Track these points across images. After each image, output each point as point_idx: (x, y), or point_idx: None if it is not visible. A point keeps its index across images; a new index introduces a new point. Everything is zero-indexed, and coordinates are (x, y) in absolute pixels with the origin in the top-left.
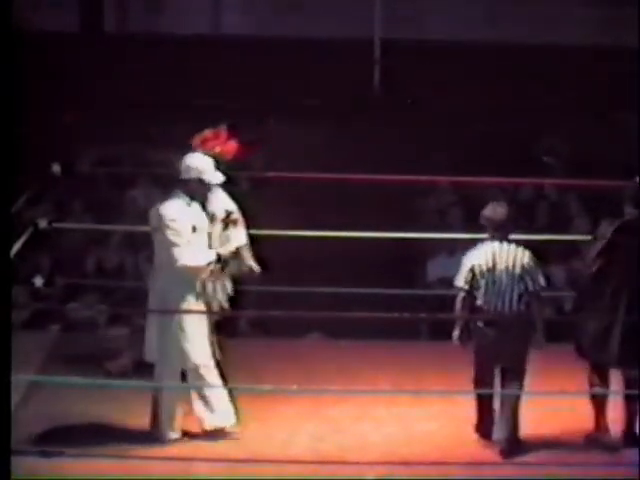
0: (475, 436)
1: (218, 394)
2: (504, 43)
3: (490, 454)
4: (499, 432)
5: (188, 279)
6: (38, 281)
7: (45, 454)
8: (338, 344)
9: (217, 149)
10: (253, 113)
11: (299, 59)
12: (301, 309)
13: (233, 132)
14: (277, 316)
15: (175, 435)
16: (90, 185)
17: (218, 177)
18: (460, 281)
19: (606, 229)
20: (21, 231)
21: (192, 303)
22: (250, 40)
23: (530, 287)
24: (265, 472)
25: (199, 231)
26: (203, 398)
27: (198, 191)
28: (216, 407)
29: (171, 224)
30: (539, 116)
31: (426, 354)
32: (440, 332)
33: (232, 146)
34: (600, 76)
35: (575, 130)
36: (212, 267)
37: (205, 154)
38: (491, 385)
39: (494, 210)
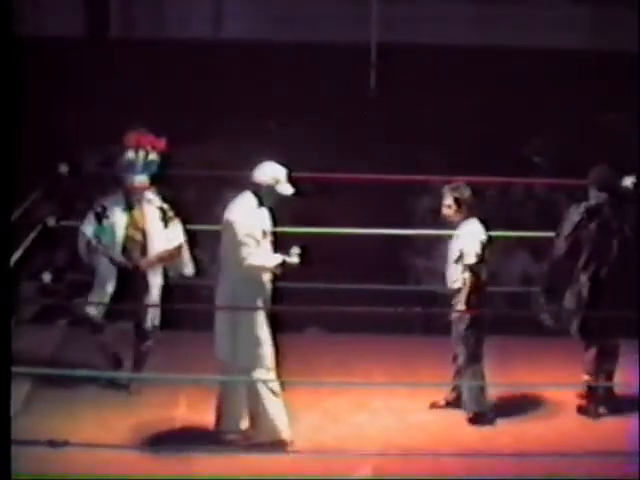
0: (467, 426)
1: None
2: (496, 46)
3: (484, 445)
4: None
5: (256, 280)
6: (46, 277)
7: (53, 444)
8: (335, 338)
9: (149, 146)
10: (254, 116)
11: (298, 63)
12: (300, 304)
13: (156, 130)
14: (277, 311)
15: (238, 433)
16: (97, 184)
17: (290, 189)
18: (473, 258)
19: (574, 212)
20: (30, 229)
21: (261, 304)
22: (251, 44)
23: None
24: (264, 461)
25: (267, 236)
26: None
27: (268, 198)
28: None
29: (244, 224)
30: (530, 117)
31: (420, 347)
32: (433, 326)
33: (160, 142)
34: (590, 78)
35: (564, 131)
36: (277, 270)
37: (138, 150)
38: None
39: (465, 192)
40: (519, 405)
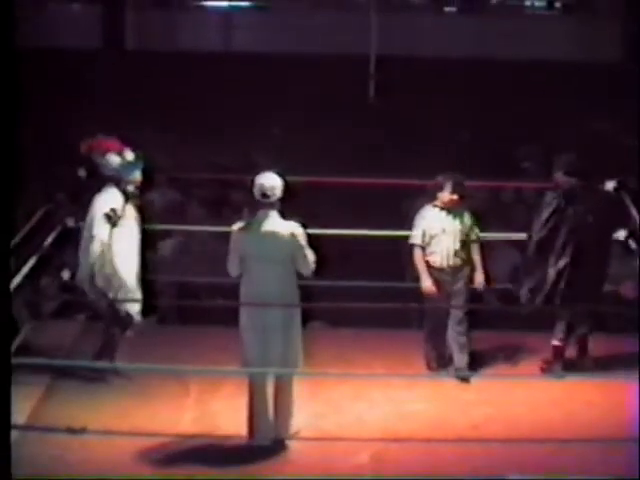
0: (460, 415)
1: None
2: (488, 59)
3: (476, 432)
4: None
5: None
6: (66, 274)
7: (71, 431)
8: (337, 332)
9: (104, 150)
10: (260, 123)
11: (302, 73)
12: (304, 301)
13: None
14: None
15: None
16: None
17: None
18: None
19: (551, 198)
20: (52, 229)
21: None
22: (259, 56)
23: None
24: (268, 449)
25: None
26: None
27: (279, 203)
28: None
29: (304, 235)
30: (519, 125)
31: (416, 341)
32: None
33: (113, 145)
34: (577, 88)
35: (552, 138)
36: None
37: (97, 155)
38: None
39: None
40: (509, 396)
